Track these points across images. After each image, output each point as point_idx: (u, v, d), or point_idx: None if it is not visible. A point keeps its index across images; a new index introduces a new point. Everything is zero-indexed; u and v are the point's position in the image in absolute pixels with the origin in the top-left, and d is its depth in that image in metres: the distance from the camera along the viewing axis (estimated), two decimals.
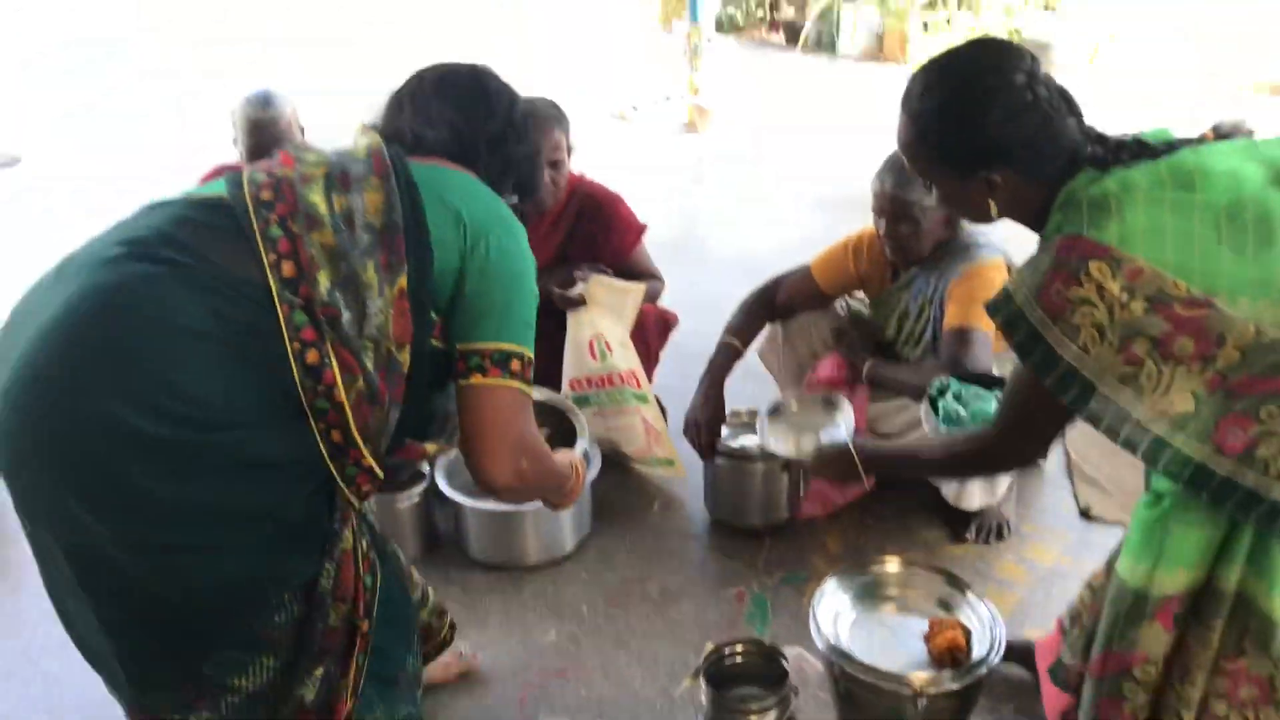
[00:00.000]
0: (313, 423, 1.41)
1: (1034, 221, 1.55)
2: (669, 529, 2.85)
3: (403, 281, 1.45)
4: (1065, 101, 1.50)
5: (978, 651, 1.95)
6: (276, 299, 1.38)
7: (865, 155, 2.74)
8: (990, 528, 2.71)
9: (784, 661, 2.09)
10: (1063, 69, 7.18)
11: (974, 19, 7.94)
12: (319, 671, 1.53)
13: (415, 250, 1.47)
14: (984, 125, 1.47)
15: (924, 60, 1.57)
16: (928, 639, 2.00)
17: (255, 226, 1.41)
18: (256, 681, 1.49)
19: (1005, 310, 1.48)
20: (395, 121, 1.69)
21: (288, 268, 1.40)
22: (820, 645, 1.99)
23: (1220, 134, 1.54)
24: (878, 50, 8.27)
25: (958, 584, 2.11)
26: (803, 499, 2.80)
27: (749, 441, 2.78)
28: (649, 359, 3.06)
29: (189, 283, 1.37)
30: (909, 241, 2.55)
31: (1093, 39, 7.58)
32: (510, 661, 2.39)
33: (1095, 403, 1.41)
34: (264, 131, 3.09)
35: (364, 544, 1.60)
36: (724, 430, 2.76)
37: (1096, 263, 1.36)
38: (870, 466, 1.94)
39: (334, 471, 1.46)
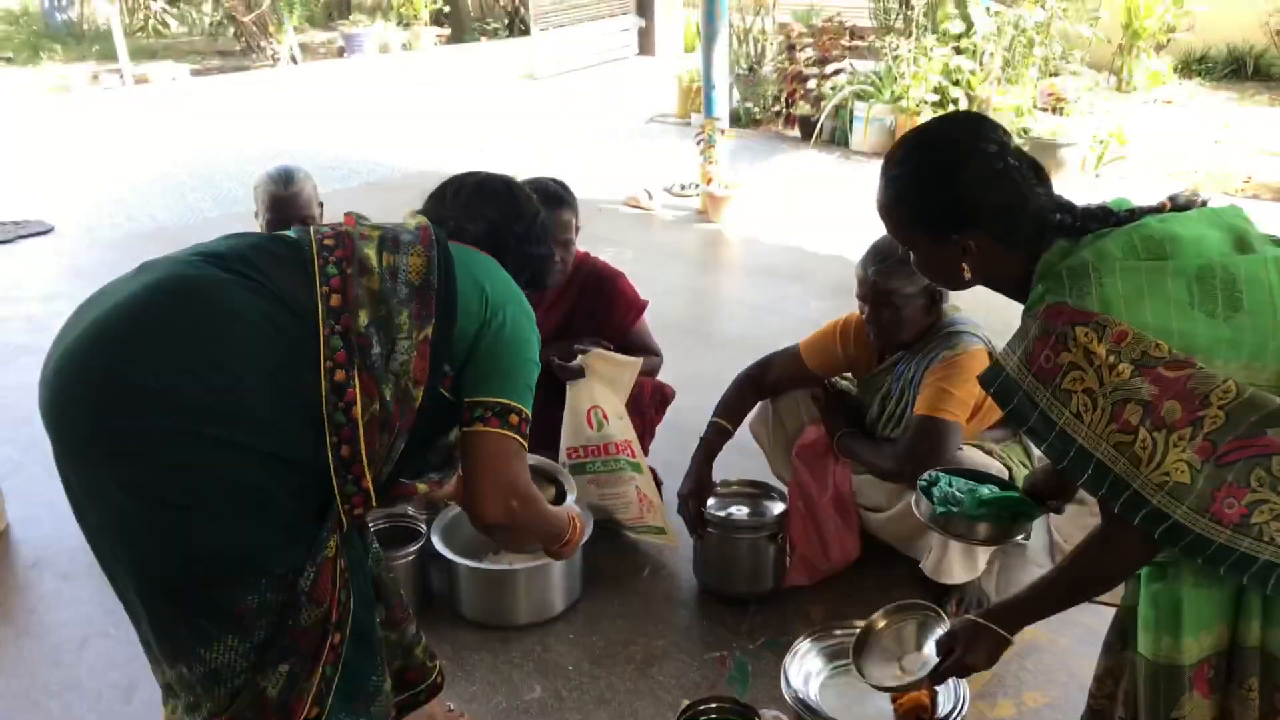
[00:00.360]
0: (328, 434, 1.60)
1: (1014, 291, 1.62)
2: (657, 594, 2.92)
3: (429, 331, 1.69)
4: (1034, 171, 1.59)
5: (942, 711, 2.01)
6: (321, 321, 1.61)
7: (861, 243, 2.85)
8: (971, 602, 2.77)
9: (756, 716, 2.17)
10: (1069, 171, 7.38)
11: None
12: (284, 668, 1.65)
13: (443, 308, 1.71)
14: (956, 188, 1.55)
15: (902, 139, 1.67)
16: (894, 699, 2.07)
17: (316, 263, 1.66)
18: (218, 659, 1.62)
19: (997, 379, 1.54)
20: (439, 211, 1.96)
21: (335, 300, 1.64)
22: (789, 700, 2.05)
23: (1176, 204, 1.63)
24: (890, 145, 8.48)
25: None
26: (789, 569, 2.87)
27: (737, 511, 2.87)
28: (646, 430, 3.17)
29: (251, 290, 1.61)
30: (890, 327, 2.67)
31: (1101, 140, 7.77)
32: (495, 716, 2.46)
33: (1094, 470, 1.46)
34: (285, 206, 3.27)
35: (342, 563, 1.72)
36: (711, 501, 2.86)
37: (1083, 328, 1.43)
38: (1015, 628, 1.74)
39: (335, 483, 1.63)
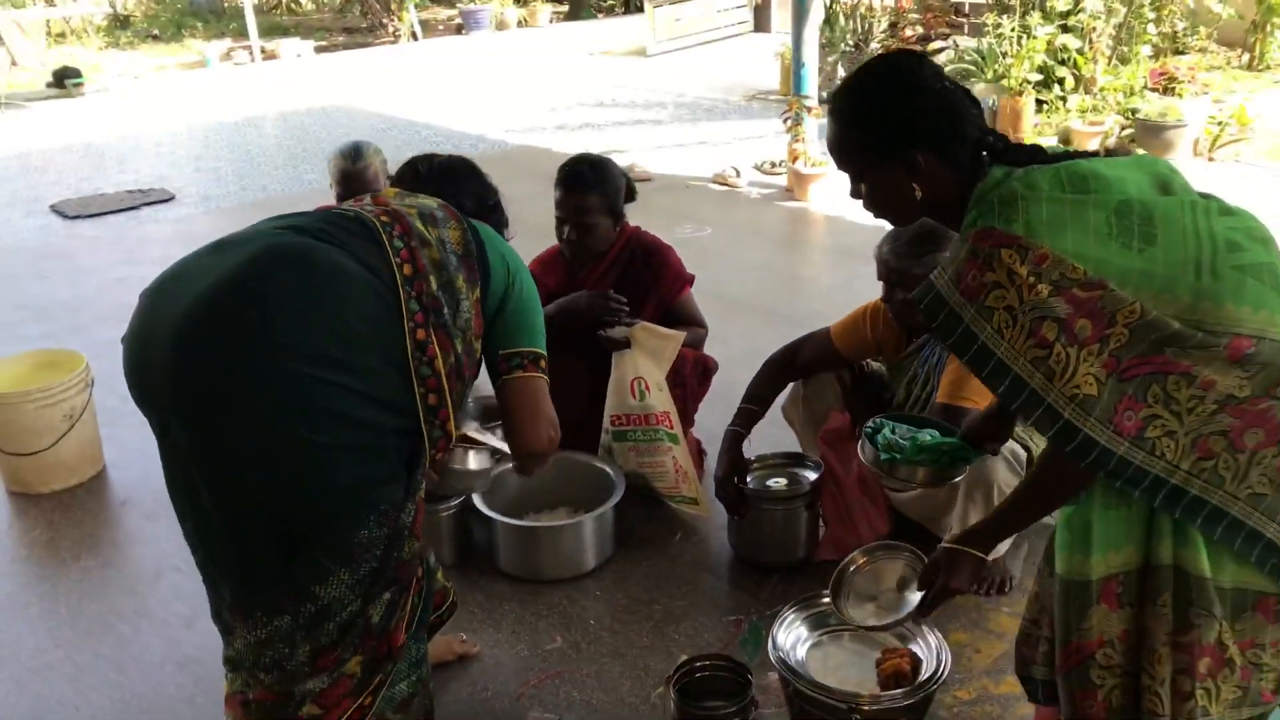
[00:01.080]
0: (415, 385, 1.81)
1: (954, 219, 1.72)
2: (686, 558, 3.04)
3: (477, 293, 1.93)
4: (969, 97, 1.71)
5: (924, 676, 2.08)
6: (400, 287, 1.81)
7: None
8: (993, 581, 2.80)
9: (749, 678, 2.27)
10: (1179, 153, 7.14)
11: (1088, 98, 7.95)
12: (386, 596, 1.85)
13: (483, 273, 1.95)
14: (901, 105, 1.67)
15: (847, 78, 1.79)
16: (878, 664, 2.14)
17: (384, 236, 1.85)
18: (330, 593, 1.77)
19: (927, 296, 1.65)
20: (424, 189, 2.12)
21: (408, 269, 1.83)
22: (774, 662, 2.15)
23: (1110, 152, 1.72)
24: (992, 127, 8.31)
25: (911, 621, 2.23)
26: (820, 541, 2.95)
27: (774, 483, 2.96)
28: (689, 400, 3.28)
29: (347, 256, 1.80)
30: (905, 308, 2.71)
31: (1219, 121, 7.48)
32: (515, 662, 2.62)
33: (1011, 382, 1.57)
34: (353, 181, 3.49)
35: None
36: (749, 477, 2.94)
37: (1008, 250, 1.54)
38: (988, 547, 1.85)
39: (425, 429, 1.84)
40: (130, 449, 3.62)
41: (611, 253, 3.27)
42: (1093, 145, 7.67)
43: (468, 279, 1.90)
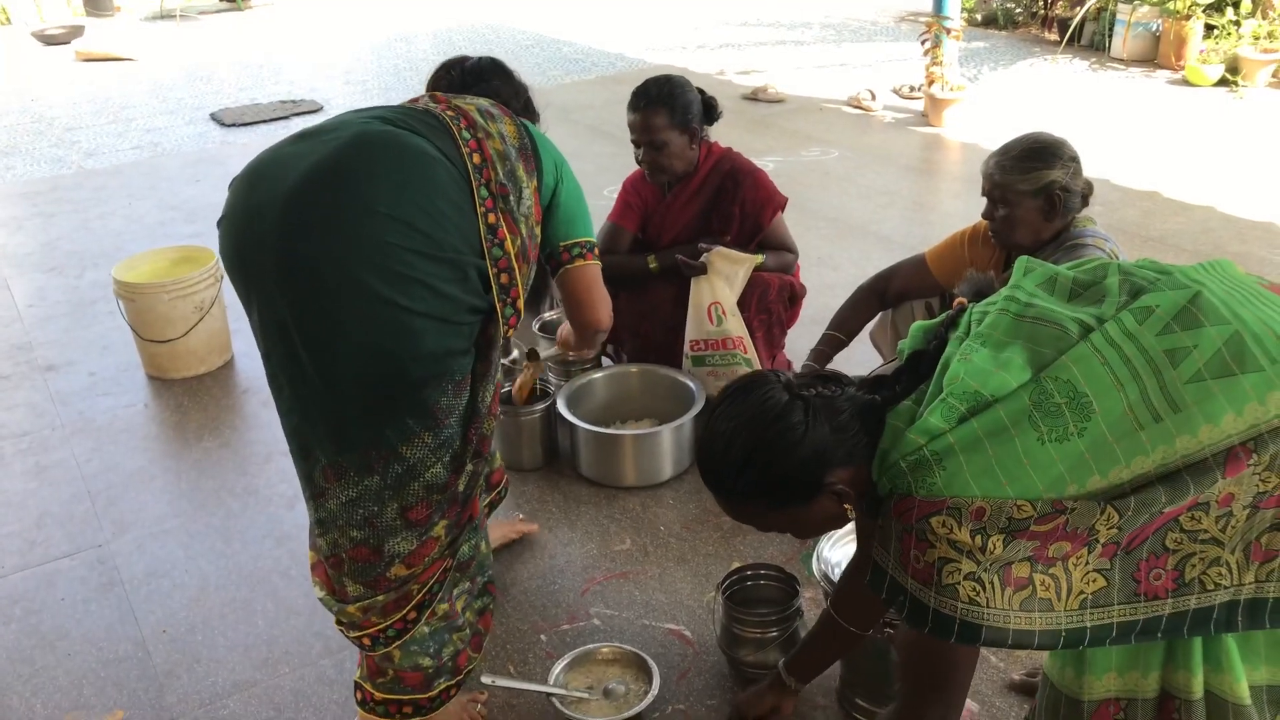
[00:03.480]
0: (489, 264, 1.95)
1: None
2: None
3: (535, 182, 2.06)
4: (830, 381, 1.55)
5: None
6: (471, 174, 1.94)
7: (1100, 158, 2.67)
8: None
9: (798, 588, 2.32)
10: None
11: (1264, 23, 7.37)
12: (470, 468, 2.02)
13: (537, 164, 2.08)
14: (794, 453, 1.46)
15: (701, 459, 1.56)
16: None
17: (453, 128, 1.97)
18: (415, 454, 1.91)
19: (883, 584, 1.43)
20: (466, 91, 2.25)
21: (476, 158, 1.96)
22: (817, 576, 2.19)
23: (979, 293, 1.57)
24: (1153, 53, 7.84)
25: None
26: None
27: None
28: (774, 324, 3.28)
29: (429, 144, 1.93)
30: (1003, 226, 2.64)
31: None
32: (584, 560, 2.74)
33: (1014, 638, 1.36)
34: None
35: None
36: None
37: (937, 518, 1.33)
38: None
39: (498, 306, 1.98)
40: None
41: (700, 173, 3.27)
42: (1265, 75, 7.16)
43: (526, 170, 2.04)
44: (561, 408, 3.08)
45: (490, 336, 2.01)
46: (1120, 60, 7.96)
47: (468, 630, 2.19)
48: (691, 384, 3.15)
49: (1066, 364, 1.36)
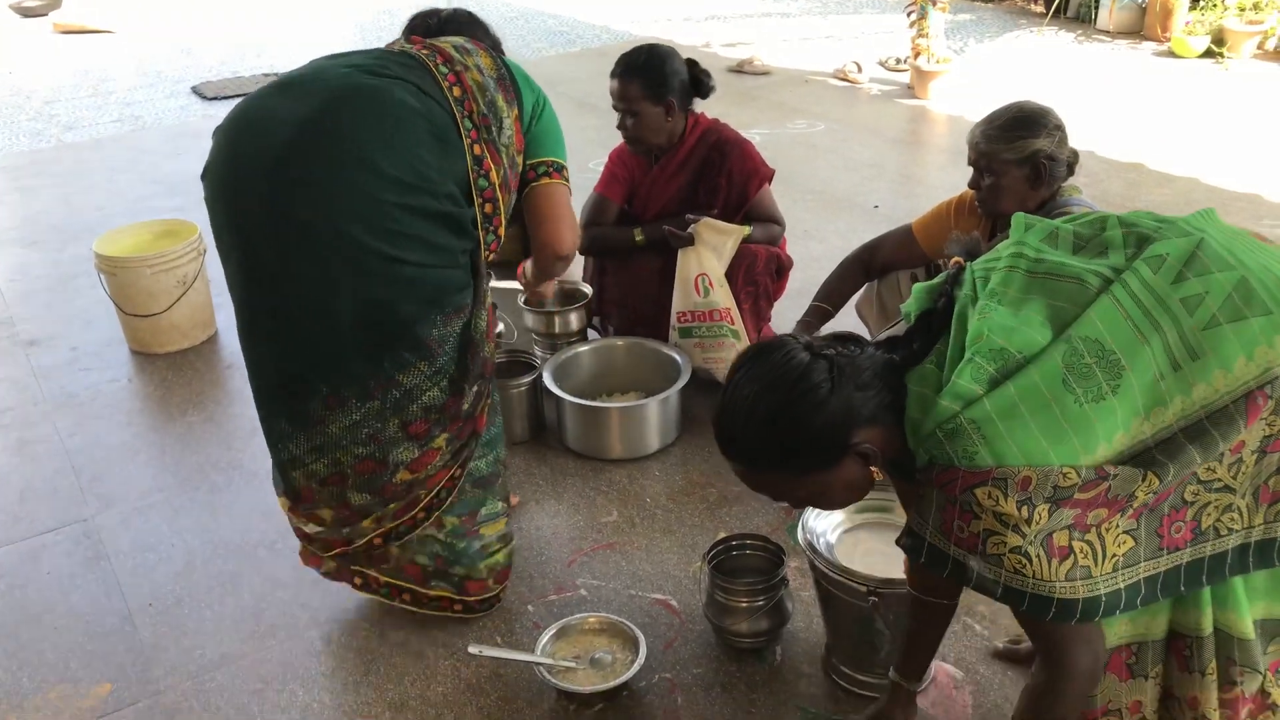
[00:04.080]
0: (475, 195, 2.04)
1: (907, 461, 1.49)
2: None
3: (515, 111, 2.13)
4: (853, 342, 1.51)
5: None
6: (454, 107, 2.03)
7: (1085, 130, 2.65)
8: None
9: (783, 558, 2.33)
10: None
11: None
12: (473, 389, 2.16)
13: (516, 94, 2.15)
14: (820, 414, 1.42)
15: (720, 427, 1.50)
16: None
17: (431, 64, 2.06)
18: (412, 380, 2.05)
19: (923, 550, 1.44)
20: (439, 35, 2.36)
21: (456, 91, 2.06)
22: (802, 544, 2.20)
23: (970, 252, 1.56)
24: (1139, 25, 7.82)
25: None
26: None
27: None
28: (761, 296, 3.27)
29: (407, 90, 2.00)
30: (989, 195, 2.64)
31: None
32: (571, 531, 2.74)
33: (1058, 608, 1.37)
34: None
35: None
36: None
37: (982, 489, 1.32)
38: None
39: (480, 234, 2.08)
40: None
41: (686, 145, 3.26)
42: (1250, 46, 7.16)
43: (505, 99, 2.11)
44: (548, 381, 3.07)
45: (477, 266, 2.12)
46: (1106, 32, 7.95)
47: (484, 556, 2.33)
48: (678, 357, 3.15)
49: (1093, 320, 1.36)
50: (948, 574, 1.41)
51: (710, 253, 3.11)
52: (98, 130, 6.66)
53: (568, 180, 2.27)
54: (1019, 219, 1.59)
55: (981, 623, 2.36)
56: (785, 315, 3.40)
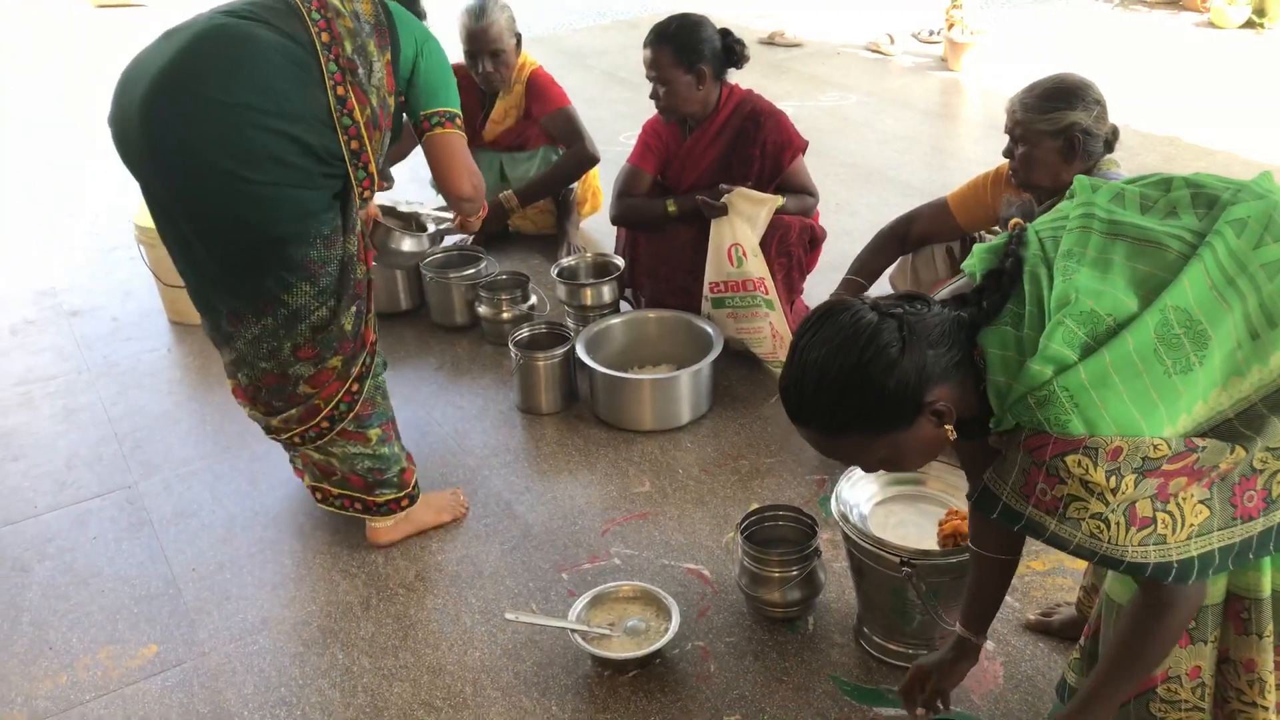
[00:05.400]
0: (339, 133, 2.21)
1: (982, 420, 1.48)
2: (779, 419, 3.11)
3: (388, 56, 2.28)
4: (920, 301, 1.49)
5: None
6: (320, 51, 2.18)
7: (1121, 103, 2.62)
8: None
9: (815, 529, 2.35)
10: None
11: None
12: (353, 309, 2.36)
13: (392, 39, 2.29)
14: (893, 374, 1.39)
15: (789, 393, 1.47)
16: (940, 524, 2.19)
17: (303, 10, 2.21)
18: (296, 301, 2.27)
19: (997, 508, 1.44)
20: None
21: (325, 36, 2.20)
22: (835, 516, 2.22)
23: (1026, 215, 1.52)
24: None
25: None
26: None
27: None
28: (794, 268, 3.29)
29: (270, 30, 2.17)
30: (1021, 165, 2.62)
31: None
32: (604, 501, 2.78)
33: (1129, 566, 1.39)
34: (477, 39, 3.57)
35: (366, 242, 2.46)
36: None
37: (1073, 457, 1.32)
38: None
39: (350, 171, 2.26)
40: None
41: (720, 116, 3.26)
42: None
43: (378, 44, 2.26)
44: (580, 352, 3.10)
45: (348, 195, 2.30)
46: (1145, 2, 7.83)
47: (404, 456, 2.61)
48: (710, 329, 3.17)
49: (1184, 289, 1.35)
50: (1018, 529, 1.42)
51: (744, 222, 3.11)
52: None
53: (461, 126, 2.43)
54: (1082, 180, 1.59)
55: (1013, 595, 2.37)
56: (818, 288, 3.41)
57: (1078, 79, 2.61)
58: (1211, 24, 7.25)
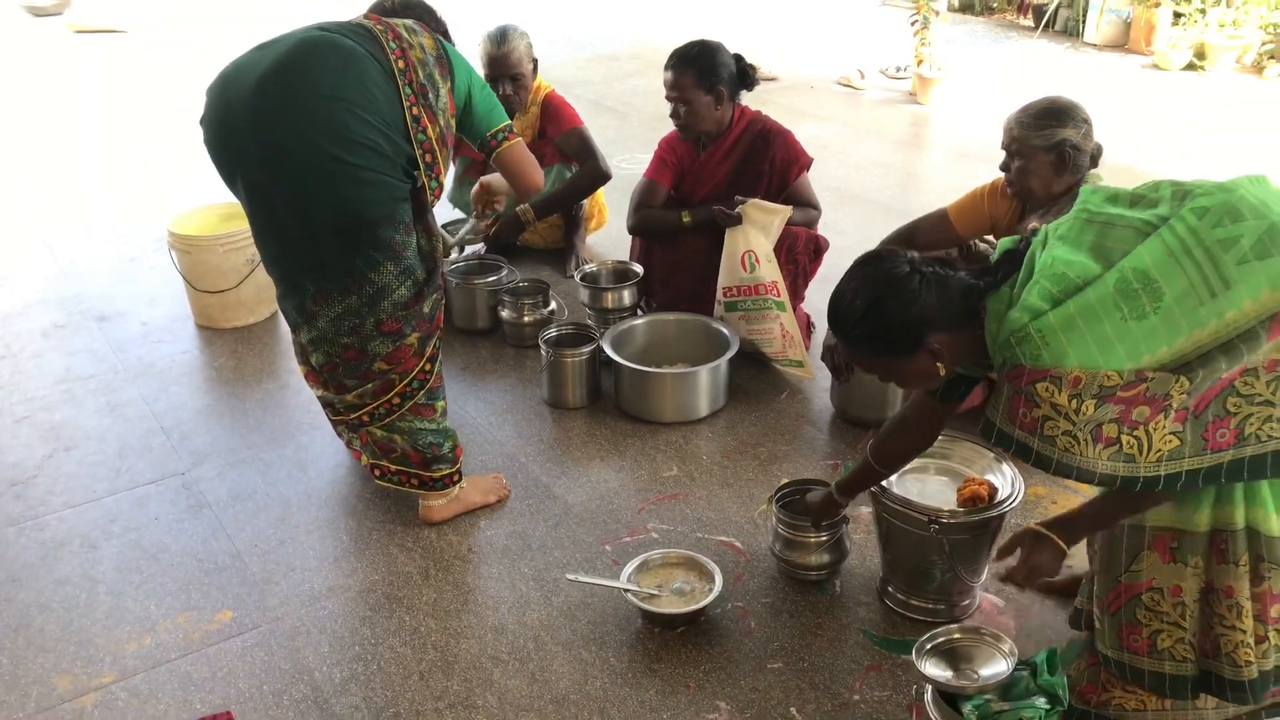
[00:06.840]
0: (415, 147, 2.50)
1: (982, 365, 1.93)
2: (791, 412, 3.36)
3: (449, 84, 2.58)
4: (943, 265, 1.91)
5: (1000, 496, 2.37)
6: (398, 75, 2.48)
7: None
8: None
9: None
10: None
11: (1229, 10, 7.74)
12: (434, 296, 2.68)
13: (451, 70, 2.58)
14: (905, 312, 1.84)
15: (832, 308, 1.97)
16: (958, 490, 2.44)
17: (383, 39, 2.50)
18: (382, 279, 2.53)
19: (993, 432, 1.78)
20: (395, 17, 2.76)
21: (400, 63, 2.49)
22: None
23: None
24: (1124, 39, 8.20)
25: (994, 454, 2.51)
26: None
27: None
28: (799, 275, 3.55)
29: (362, 48, 2.45)
30: (1018, 177, 2.92)
31: None
32: (637, 484, 3.00)
33: (1100, 479, 1.70)
34: (498, 64, 3.81)
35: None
36: None
37: (1042, 384, 1.67)
38: (1072, 542, 2.01)
39: (424, 180, 2.56)
40: None
41: (733, 134, 3.53)
42: (1229, 60, 7.53)
43: (441, 74, 2.56)
44: (607, 348, 3.32)
45: (423, 201, 2.61)
46: (1093, 45, 8.31)
47: (454, 434, 2.82)
48: (726, 331, 3.41)
49: (1141, 255, 1.68)
50: (1013, 453, 1.76)
51: (758, 231, 3.37)
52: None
53: (519, 135, 2.78)
54: (1085, 187, 1.90)
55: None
56: (813, 298, 3.66)
57: (1067, 101, 2.92)
58: (1156, 66, 7.72)
